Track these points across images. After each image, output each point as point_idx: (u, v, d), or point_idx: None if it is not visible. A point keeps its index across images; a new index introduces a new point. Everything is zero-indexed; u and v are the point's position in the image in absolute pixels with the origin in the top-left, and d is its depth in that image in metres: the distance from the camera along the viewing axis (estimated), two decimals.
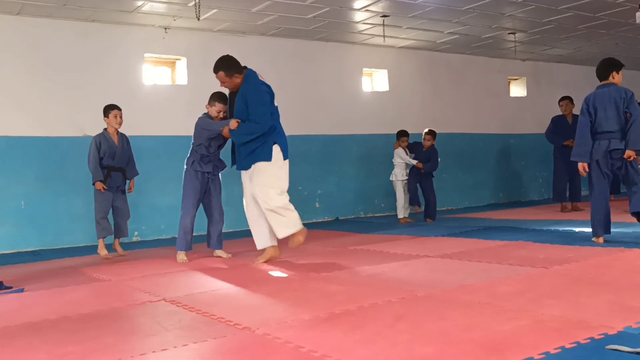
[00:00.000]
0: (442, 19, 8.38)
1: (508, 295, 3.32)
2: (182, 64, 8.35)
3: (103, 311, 3.56)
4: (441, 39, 9.58)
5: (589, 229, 5.42)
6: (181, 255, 5.50)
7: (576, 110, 7.17)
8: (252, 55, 8.48)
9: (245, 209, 5.26)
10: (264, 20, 7.96)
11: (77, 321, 3.32)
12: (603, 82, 5.32)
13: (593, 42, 10.14)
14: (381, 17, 8.09)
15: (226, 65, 5.06)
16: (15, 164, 7.13)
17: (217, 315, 3.23)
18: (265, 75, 5.25)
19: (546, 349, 2.32)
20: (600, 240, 5.20)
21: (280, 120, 5.24)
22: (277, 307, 3.45)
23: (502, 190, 11.30)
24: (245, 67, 5.14)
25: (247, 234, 5.31)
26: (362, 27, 8.62)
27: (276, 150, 5.07)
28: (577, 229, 6.22)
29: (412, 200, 8.30)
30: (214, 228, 5.63)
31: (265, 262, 5.14)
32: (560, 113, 8.57)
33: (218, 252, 5.65)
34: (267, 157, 5.02)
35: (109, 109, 6.06)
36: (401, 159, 8.28)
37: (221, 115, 5.45)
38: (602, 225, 5.23)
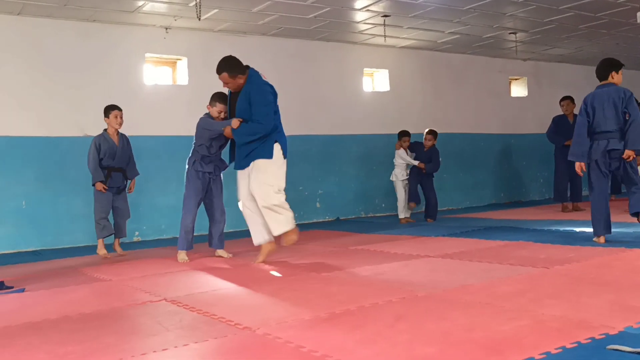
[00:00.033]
0: (443, 18, 8.38)
1: (509, 296, 3.32)
2: (182, 64, 8.36)
3: (104, 311, 3.56)
4: (442, 39, 9.58)
5: (590, 229, 5.42)
6: (182, 255, 5.51)
7: (577, 110, 7.16)
8: (253, 55, 8.45)
9: (240, 207, 5.26)
10: (264, 20, 7.96)
11: (78, 321, 3.32)
12: (603, 82, 5.33)
13: (594, 42, 10.14)
14: (382, 17, 8.09)
15: (229, 66, 5.05)
16: (16, 163, 7.14)
17: (217, 315, 3.23)
18: (266, 75, 5.25)
19: (547, 349, 2.32)
20: (602, 240, 5.20)
21: (281, 120, 5.25)
22: (277, 307, 3.45)
23: (503, 190, 11.30)
24: (247, 67, 5.14)
25: (248, 233, 5.32)
26: (363, 27, 8.62)
27: (277, 148, 5.08)
28: (578, 229, 6.22)
29: (411, 197, 8.28)
30: (216, 228, 5.64)
31: (264, 260, 5.15)
32: (562, 113, 8.57)
33: (219, 252, 5.65)
34: (268, 155, 5.03)
35: (109, 110, 6.06)
36: (402, 160, 8.27)
37: (222, 115, 5.44)
38: (602, 225, 5.22)
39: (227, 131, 5.15)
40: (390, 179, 8.50)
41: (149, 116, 7.87)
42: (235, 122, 5.06)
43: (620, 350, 2.24)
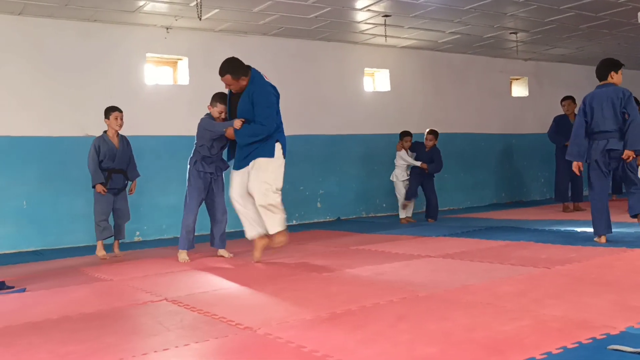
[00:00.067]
0: (443, 18, 8.37)
1: (510, 296, 3.32)
2: (183, 63, 8.36)
3: (104, 311, 3.56)
4: (443, 39, 9.58)
5: (591, 229, 5.41)
6: (183, 255, 5.51)
7: None
8: (254, 55, 8.46)
9: (233, 202, 5.26)
10: (265, 20, 7.96)
11: (79, 321, 3.32)
12: (602, 82, 5.33)
13: (595, 41, 10.13)
14: (383, 16, 8.08)
15: (232, 67, 5.06)
16: (17, 163, 7.14)
17: (218, 315, 3.23)
18: (267, 76, 5.25)
19: (548, 349, 2.32)
20: (603, 240, 5.20)
21: (282, 120, 5.27)
22: (278, 307, 3.45)
23: (504, 190, 11.29)
24: (249, 68, 5.15)
25: None
26: (363, 27, 8.61)
27: (278, 147, 5.11)
28: (579, 229, 6.22)
29: (407, 195, 8.25)
30: (217, 228, 5.64)
31: (260, 255, 5.20)
32: (563, 113, 8.57)
33: (221, 252, 5.66)
34: (270, 154, 5.07)
35: (109, 111, 6.04)
36: (404, 161, 8.25)
37: (223, 115, 5.45)
38: (603, 225, 5.22)
39: (229, 132, 5.16)
40: (391, 179, 8.50)
41: (149, 116, 7.87)
42: (237, 123, 5.07)
43: (622, 351, 2.24)
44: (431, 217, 8.33)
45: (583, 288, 3.43)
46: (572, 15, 8.43)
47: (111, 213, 6.13)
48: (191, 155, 5.60)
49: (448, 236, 6.38)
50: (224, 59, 5.15)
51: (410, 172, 8.32)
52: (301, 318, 3.07)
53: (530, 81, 11.79)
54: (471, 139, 10.83)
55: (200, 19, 7.06)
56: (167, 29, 8.06)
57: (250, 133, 5.03)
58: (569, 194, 8.54)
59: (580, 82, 11.22)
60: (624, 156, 5.10)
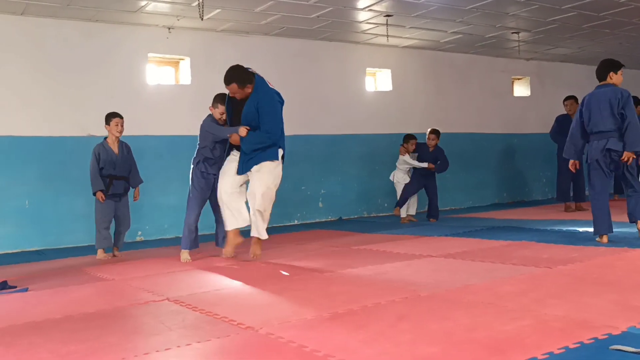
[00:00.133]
0: (445, 18, 8.37)
1: (511, 295, 3.32)
2: (185, 63, 8.36)
3: (106, 310, 3.56)
4: (445, 39, 9.57)
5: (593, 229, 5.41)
6: (185, 255, 5.52)
7: None
8: (256, 55, 8.49)
9: (221, 194, 5.29)
10: (267, 20, 7.96)
11: (81, 320, 3.32)
12: (602, 83, 5.34)
13: (597, 41, 10.12)
14: (384, 16, 8.08)
15: (238, 76, 5.10)
16: (19, 163, 7.14)
17: (220, 315, 3.23)
18: (268, 75, 5.27)
19: (550, 349, 2.32)
20: (605, 239, 5.19)
21: (284, 118, 5.33)
22: (280, 306, 3.45)
23: (505, 190, 11.28)
24: (254, 75, 5.17)
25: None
26: (365, 26, 8.61)
27: (280, 152, 5.24)
28: (580, 229, 6.21)
29: (401, 202, 8.25)
30: (221, 227, 5.65)
31: (234, 250, 5.38)
32: (565, 112, 8.56)
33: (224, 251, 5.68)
34: (274, 157, 5.19)
35: (110, 117, 6.00)
36: (409, 164, 8.21)
37: (224, 117, 5.47)
38: (605, 225, 5.22)
39: (235, 138, 5.20)
40: (390, 178, 8.49)
41: (151, 116, 7.88)
42: (243, 131, 5.12)
43: (623, 351, 2.24)
44: (433, 217, 8.32)
45: (585, 288, 3.43)
46: (574, 15, 8.42)
47: (112, 220, 6.13)
48: (194, 155, 5.62)
49: (449, 236, 6.38)
50: (228, 67, 5.20)
51: (412, 174, 8.30)
52: (303, 318, 3.07)
53: (532, 81, 11.78)
54: (473, 138, 10.82)
55: (202, 19, 7.07)
56: (169, 29, 8.06)
57: (257, 141, 5.12)
58: (571, 194, 8.54)
59: (582, 81, 11.19)
60: (624, 158, 5.10)
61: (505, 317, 2.84)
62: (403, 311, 3.09)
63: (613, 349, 2.27)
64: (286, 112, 5.39)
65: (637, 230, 5.41)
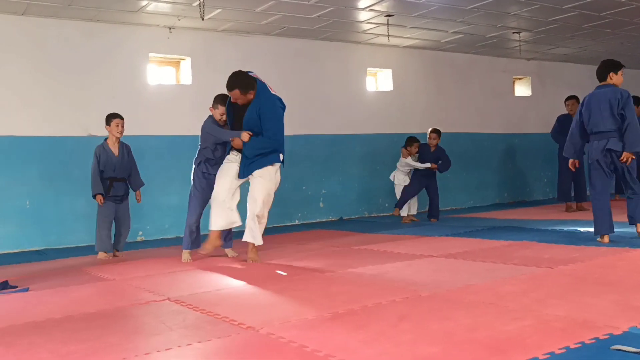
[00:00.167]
0: (446, 18, 8.36)
1: (512, 295, 3.31)
2: (186, 63, 8.36)
3: (107, 310, 3.57)
4: (445, 39, 9.56)
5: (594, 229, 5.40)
6: (186, 255, 5.52)
7: None
8: (256, 55, 8.49)
9: (218, 193, 5.30)
10: (268, 19, 7.96)
11: (81, 320, 3.32)
12: (602, 83, 5.34)
13: (598, 41, 10.11)
14: (385, 16, 8.08)
15: (241, 82, 5.11)
16: (20, 163, 7.14)
17: (221, 315, 3.23)
18: (269, 75, 5.29)
19: (551, 349, 2.32)
20: (606, 239, 5.19)
21: (284, 121, 5.33)
22: (281, 306, 3.45)
23: (506, 190, 11.28)
24: (256, 80, 5.18)
25: None
26: (366, 26, 8.61)
27: (280, 157, 5.27)
28: (582, 229, 6.20)
29: (400, 203, 8.24)
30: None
31: (212, 249, 5.37)
32: (566, 112, 8.56)
33: (227, 251, 5.69)
34: (276, 161, 5.21)
35: (111, 118, 6.00)
36: (411, 166, 8.20)
37: (225, 118, 5.47)
38: (606, 225, 5.22)
39: (237, 142, 5.21)
40: (390, 178, 8.48)
41: (152, 116, 7.88)
42: (245, 136, 5.13)
43: (625, 351, 2.24)
44: (433, 217, 8.32)
45: (586, 288, 3.43)
46: (575, 15, 8.41)
47: (113, 221, 6.13)
48: (196, 156, 5.63)
49: (450, 236, 6.38)
50: (229, 67, 5.27)
51: (412, 176, 8.29)
52: (303, 318, 3.07)
53: (533, 81, 11.77)
54: (474, 138, 10.82)
55: (202, 19, 7.06)
56: (170, 29, 8.06)
57: (260, 146, 5.15)
58: (572, 194, 8.53)
59: (583, 81, 11.17)
60: (622, 158, 5.10)
61: (506, 317, 2.83)
62: (404, 311, 3.09)
63: (614, 349, 2.27)
64: (287, 112, 5.38)
65: (637, 232, 5.41)
